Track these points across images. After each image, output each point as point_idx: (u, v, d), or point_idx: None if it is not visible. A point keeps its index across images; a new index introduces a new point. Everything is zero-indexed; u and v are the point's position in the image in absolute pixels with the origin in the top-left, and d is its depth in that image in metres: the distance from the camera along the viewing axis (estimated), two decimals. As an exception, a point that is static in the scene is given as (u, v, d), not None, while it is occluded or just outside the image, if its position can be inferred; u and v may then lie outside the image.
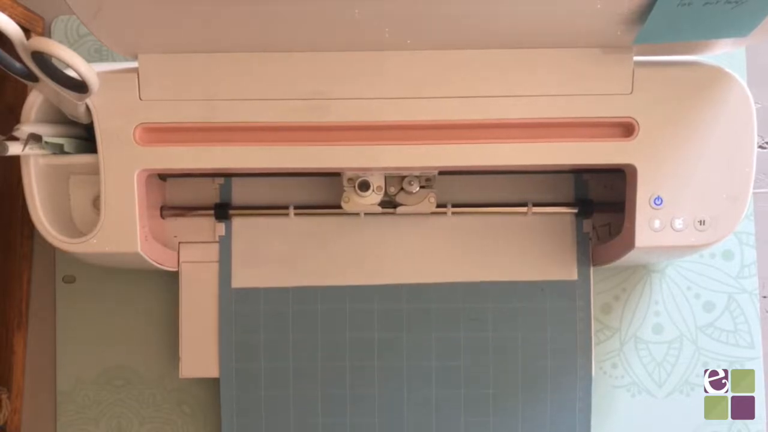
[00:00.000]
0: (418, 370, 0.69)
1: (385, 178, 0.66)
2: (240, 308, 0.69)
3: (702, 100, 0.59)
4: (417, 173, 0.65)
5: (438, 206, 0.69)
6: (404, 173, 0.65)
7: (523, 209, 0.69)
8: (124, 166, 0.60)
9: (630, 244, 0.61)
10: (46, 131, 0.60)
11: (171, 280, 0.71)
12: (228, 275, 0.70)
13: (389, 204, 0.67)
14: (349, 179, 0.65)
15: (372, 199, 0.66)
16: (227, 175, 0.70)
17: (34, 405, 0.74)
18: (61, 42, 0.55)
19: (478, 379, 0.69)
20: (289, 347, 0.69)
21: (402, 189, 0.66)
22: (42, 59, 0.53)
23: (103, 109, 0.60)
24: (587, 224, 0.70)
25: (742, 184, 0.60)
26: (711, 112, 0.59)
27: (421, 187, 0.67)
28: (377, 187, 0.65)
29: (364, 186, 0.64)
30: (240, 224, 0.70)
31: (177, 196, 0.71)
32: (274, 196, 0.70)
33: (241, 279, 0.70)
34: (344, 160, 0.60)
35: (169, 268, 0.68)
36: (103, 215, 0.60)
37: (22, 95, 0.64)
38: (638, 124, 0.59)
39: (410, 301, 0.70)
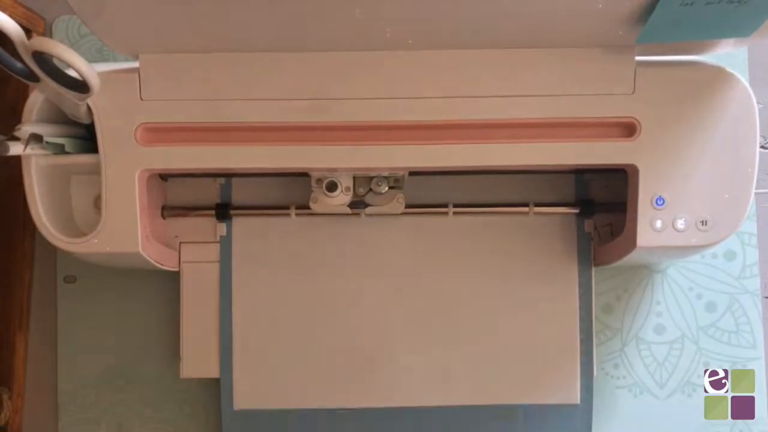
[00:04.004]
0: None
1: (354, 178, 0.65)
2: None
3: (704, 100, 0.59)
4: (386, 174, 0.65)
5: (439, 206, 0.69)
6: (373, 174, 0.65)
7: (525, 209, 0.69)
8: (125, 166, 0.60)
9: (632, 244, 0.61)
10: (47, 131, 0.60)
11: (172, 280, 0.71)
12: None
13: (359, 204, 0.67)
14: (317, 180, 0.65)
15: (340, 199, 0.65)
16: (228, 175, 0.70)
17: (36, 405, 0.74)
18: (62, 42, 0.55)
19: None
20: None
21: (371, 190, 0.66)
22: (43, 59, 0.53)
23: (104, 109, 0.60)
24: (589, 224, 0.70)
25: (744, 184, 0.60)
26: (713, 112, 0.59)
27: (390, 187, 0.66)
28: (345, 187, 0.65)
29: (333, 187, 0.64)
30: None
31: (178, 196, 0.71)
32: (275, 196, 0.70)
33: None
34: (344, 160, 0.60)
35: (170, 268, 0.68)
36: (104, 215, 0.60)
37: (23, 95, 0.64)
38: (640, 124, 0.59)
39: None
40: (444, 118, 0.59)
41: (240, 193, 0.71)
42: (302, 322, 0.70)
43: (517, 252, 0.70)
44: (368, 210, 0.67)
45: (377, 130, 0.60)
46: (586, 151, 0.60)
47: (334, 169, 0.63)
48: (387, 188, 0.66)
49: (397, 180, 0.66)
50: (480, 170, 0.68)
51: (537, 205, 0.69)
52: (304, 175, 0.69)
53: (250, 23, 0.55)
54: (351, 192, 0.65)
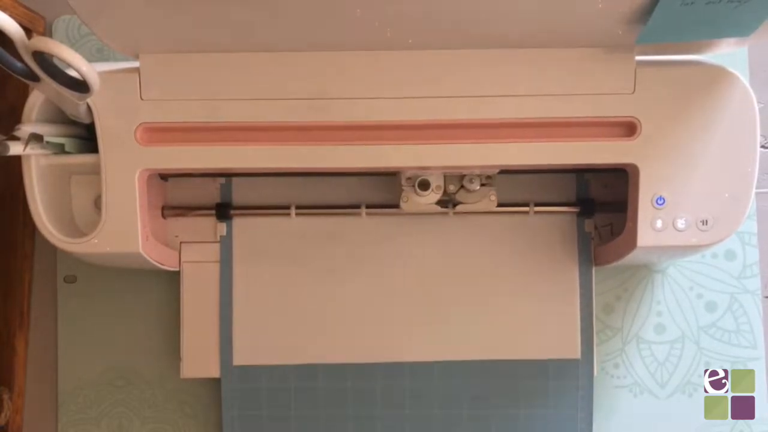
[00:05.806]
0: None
1: (444, 176, 0.65)
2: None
3: (704, 100, 0.59)
4: (477, 171, 0.65)
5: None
6: (465, 172, 0.65)
7: (525, 209, 0.69)
8: (126, 165, 0.60)
9: (632, 244, 0.61)
10: (47, 131, 0.60)
11: (172, 280, 0.71)
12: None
13: (447, 202, 0.67)
14: (408, 178, 0.65)
15: (431, 198, 0.65)
16: (228, 175, 0.70)
17: (36, 405, 0.74)
18: (62, 42, 0.55)
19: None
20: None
21: (462, 187, 0.66)
22: (43, 59, 0.52)
23: (105, 109, 0.60)
24: (589, 224, 0.70)
25: (744, 183, 0.60)
26: (713, 111, 0.59)
27: (482, 185, 0.66)
28: (436, 186, 0.65)
29: (424, 185, 0.64)
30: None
31: (178, 196, 0.71)
32: (275, 196, 0.70)
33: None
34: (345, 160, 0.60)
35: (170, 268, 0.68)
36: (105, 215, 0.60)
37: (23, 95, 0.64)
38: (640, 123, 0.59)
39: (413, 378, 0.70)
40: (443, 117, 0.59)
41: (240, 193, 0.71)
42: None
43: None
44: (459, 208, 0.67)
45: (377, 129, 0.60)
46: (586, 150, 0.60)
47: (336, 169, 0.63)
48: (479, 186, 0.66)
49: (488, 177, 0.66)
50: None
51: (537, 204, 0.69)
52: (303, 174, 0.69)
53: (250, 23, 0.55)
54: (441, 190, 0.65)
